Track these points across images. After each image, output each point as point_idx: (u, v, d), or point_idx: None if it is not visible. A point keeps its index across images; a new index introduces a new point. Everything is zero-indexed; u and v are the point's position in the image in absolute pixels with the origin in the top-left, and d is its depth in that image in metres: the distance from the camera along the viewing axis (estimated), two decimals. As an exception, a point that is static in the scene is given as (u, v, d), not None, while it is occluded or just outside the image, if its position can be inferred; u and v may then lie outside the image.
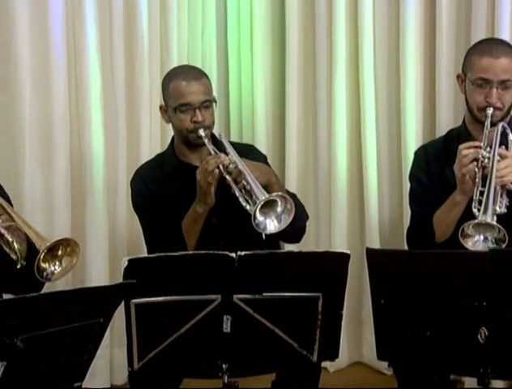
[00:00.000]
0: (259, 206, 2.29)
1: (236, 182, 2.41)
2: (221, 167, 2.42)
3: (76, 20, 3.07)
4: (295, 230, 2.47)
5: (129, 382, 2.49)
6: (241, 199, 2.38)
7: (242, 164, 2.42)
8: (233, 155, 2.47)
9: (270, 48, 3.47)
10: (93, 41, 3.08)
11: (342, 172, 3.37)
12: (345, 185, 3.38)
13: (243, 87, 3.51)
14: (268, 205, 2.32)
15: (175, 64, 3.27)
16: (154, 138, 3.30)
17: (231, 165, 2.42)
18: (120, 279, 1.98)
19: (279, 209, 2.34)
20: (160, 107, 2.66)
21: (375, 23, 3.29)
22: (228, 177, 2.42)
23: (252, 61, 3.46)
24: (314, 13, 3.35)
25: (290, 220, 2.32)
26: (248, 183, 2.38)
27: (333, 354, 2.18)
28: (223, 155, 2.46)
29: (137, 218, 3.19)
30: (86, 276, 3.19)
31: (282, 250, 2.32)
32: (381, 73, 3.34)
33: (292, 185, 3.29)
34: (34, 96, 3.03)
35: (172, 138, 2.70)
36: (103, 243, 3.21)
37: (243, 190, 2.40)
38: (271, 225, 2.33)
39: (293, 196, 2.58)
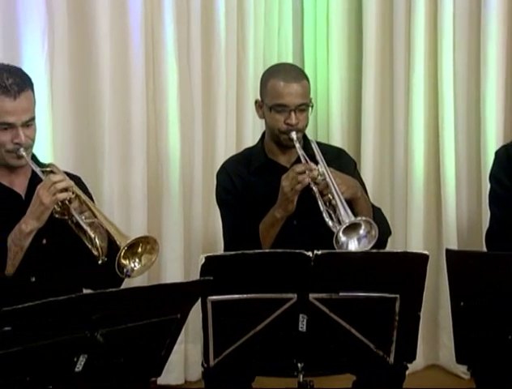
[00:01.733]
0: (343, 228, 2.28)
1: (322, 195, 2.39)
2: (309, 177, 2.41)
3: (155, 21, 3.12)
4: (375, 246, 2.42)
5: (203, 379, 2.51)
6: (324, 214, 2.36)
7: (330, 177, 2.39)
8: (322, 165, 2.45)
9: (347, 46, 3.45)
10: (171, 41, 3.12)
11: (419, 170, 3.32)
12: (422, 183, 3.34)
13: (318, 85, 3.50)
14: (351, 226, 2.30)
15: (251, 63, 3.29)
16: (229, 137, 3.31)
17: (319, 177, 2.40)
18: (194, 278, 1.99)
19: (361, 232, 2.31)
20: (256, 101, 2.65)
21: (455, 19, 3.23)
22: (314, 188, 2.40)
23: (328, 59, 3.45)
24: (392, 10, 3.31)
25: (370, 245, 2.29)
26: (333, 198, 2.36)
27: (410, 356, 2.15)
28: (313, 165, 2.43)
29: (212, 217, 3.25)
30: (161, 274, 3.23)
31: (359, 250, 2.28)
32: (461, 70, 3.28)
33: (367, 183, 3.24)
34: (113, 96, 3.09)
35: (263, 135, 2.70)
36: (178, 241, 3.25)
37: (327, 204, 2.38)
38: (352, 245, 2.31)
39: (378, 210, 2.55)
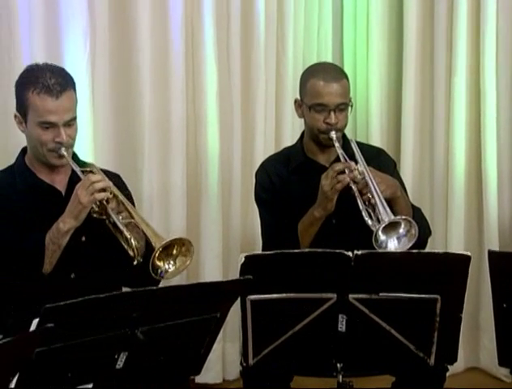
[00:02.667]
0: (382, 226, 2.26)
1: (362, 194, 2.38)
2: (348, 176, 2.40)
3: (195, 21, 3.13)
4: (415, 246, 2.40)
5: (241, 378, 2.52)
6: (364, 213, 2.35)
7: (369, 176, 2.38)
8: (362, 164, 2.44)
9: (387, 46, 3.43)
10: (211, 42, 3.12)
11: (460, 169, 3.29)
12: (463, 182, 3.30)
13: (358, 84, 3.48)
14: (391, 225, 2.28)
15: (290, 63, 3.28)
16: (268, 136, 3.31)
17: (358, 176, 2.39)
18: (232, 277, 1.99)
19: (401, 231, 2.29)
20: (295, 101, 2.65)
21: (498, 21, 3.19)
22: (354, 186, 2.39)
23: (367, 58, 3.43)
24: (434, 11, 3.29)
25: (410, 244, 2.27)
26: (373, 196, 2.35)
27: (451, 358, 2.13)
28: (353, 164, 2.42)
29: (251, 215, 3.25)
30: (200, 273, 3.24)
31: (400, 251, 2.27)
32: (503, 68, 3.25)
33: (407, 183, 3.21)
34: (153, 96, 3.11)
35: (302, 134, 2.70)
36: (217, 240, 3.26)
37: (367, 203, 2.37)
38: (391, 244, 2.30)
39: (418, 210, 2.53)
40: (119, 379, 1.86)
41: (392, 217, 2.28)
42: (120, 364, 1.83)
